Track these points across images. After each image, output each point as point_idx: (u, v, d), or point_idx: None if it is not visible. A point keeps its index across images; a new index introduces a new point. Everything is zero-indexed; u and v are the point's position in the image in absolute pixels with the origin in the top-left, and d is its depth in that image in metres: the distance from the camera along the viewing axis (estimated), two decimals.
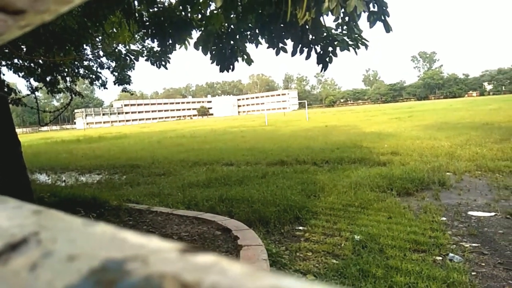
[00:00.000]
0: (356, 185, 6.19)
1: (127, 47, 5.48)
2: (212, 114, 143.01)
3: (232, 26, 4.45)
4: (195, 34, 6.31)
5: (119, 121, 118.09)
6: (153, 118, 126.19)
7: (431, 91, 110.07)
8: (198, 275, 0.15)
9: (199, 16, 4.27)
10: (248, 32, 4.50)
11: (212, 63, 4.83)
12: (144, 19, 4.40)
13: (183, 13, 4.18)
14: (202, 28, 4.36)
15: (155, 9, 4.21)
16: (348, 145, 11.64)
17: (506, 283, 3.02)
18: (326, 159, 9.37)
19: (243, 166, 9.52)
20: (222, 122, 53.19)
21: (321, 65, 3.99)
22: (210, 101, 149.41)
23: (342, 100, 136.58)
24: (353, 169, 7.85)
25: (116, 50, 6.77)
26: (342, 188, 6.09)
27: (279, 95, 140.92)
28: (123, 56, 6.95)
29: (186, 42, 4.77)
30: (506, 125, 14.34)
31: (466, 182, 6.39)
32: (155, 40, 4.46)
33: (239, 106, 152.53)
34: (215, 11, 3.89)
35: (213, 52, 4.72)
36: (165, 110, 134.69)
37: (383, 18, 3.05)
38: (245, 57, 5.08)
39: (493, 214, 4.66)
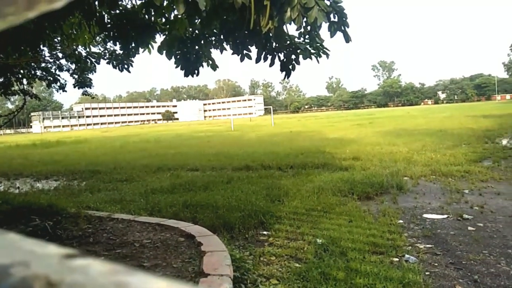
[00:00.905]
0: (319, 189, 6.33)
1: (88, 49, 5.32)
2: (177, 119, 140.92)
3: (196, 31, 4.44)
4: (160, 37, 6.23)
5: (80, 125, 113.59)
6: (115, 122, 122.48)
7: (390, 99, 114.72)
8: (63, 275, 0.18)
9: (163, 20, 4.22)
10: (213, 38, 4.50)
11: (176, 67, 4.79)
12: (106, 21, 4.29)
13: (146, 16, 4.12)
14: (166, 32, 4.32)
15: (117, 12, 4.12)
16: (312, 151, 11.87)
17: (456, 282, 3.20)
18: (290, 164, 9.50)
19: (208, 171, 9.46)
20: (187, 127, 52.56)
21: (284, 72, 4.07)
22: (176, 106, 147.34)
23: (306, 106, 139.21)
24: (317, 174, 8.01)
25: (76, 52, 6.54)
26: (305, 193, 6.20)
27: (245, 100, 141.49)
28: (83, 58, 6.72)
29: (150, 46, 4.70)
30: (457, 131, 15.23)
31: (422, 186, 6.72)
32: (118, 43, 4.36)
33: (205, 111, 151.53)
34: (179, 16, 3.87)
35: (178, 57, 4.68)
36: (128, 114, 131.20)
37: (343, 28, 3.16)
38: (210, 62, 5.08)
39: (445, 216, 4.93)
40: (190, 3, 2.39)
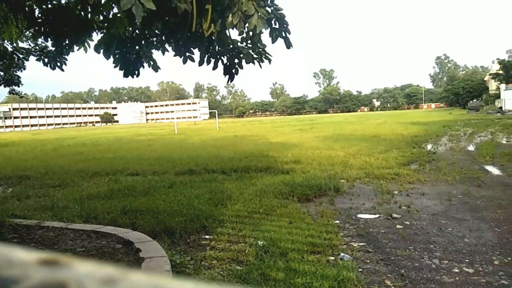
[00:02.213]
0: (262, 192, 6.43)
1: (15, 44, 4.91)
2: (117, 121, 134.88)
3: (137, 31, 4.31)
4: (97, 35, 5.95)
5: (6, 127, 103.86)
6: (48, 124, 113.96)
7: (330, 105, 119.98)
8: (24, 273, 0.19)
9: (101, 17, 4.04)
10: (154, 39, 4.41)
11: (115, 67, 4.61)
12: (37, 15, 4.01)
13: (82, 13, 3.92)
14: (104, 30, 4.14)
15: (49, 6, 3.87)
16: (255, 154, 12.02)
17: (385, 277, 3.44)
18: (234, 168, 9.54)
19: (149, 176, 9.18)
20: (128, 129, 50.46)
21: (228, 76, 4.10)
22: (115, 108, 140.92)
23: (251, 111, 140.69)
24: (259, 177, 8.13)
25: (1, 47, 6.00)
26: (248, 196, 6.27)
27: (189, 103, 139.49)
28: (9, 54, 6.18)
29: (86, 44, 4.47)
30: (389, 137, 16.36)
31: (357, 188, 7.11)
32: (49, 39, 4.09)
33: (147, 113, 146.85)
34: (118, 14, 3.74)
35: (116, 56, 4.51)
36: (63, 116, 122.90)
37: (284, 35, 3.27)
38: (152, 63, 4.96)
39: (377, 216, 5.27)
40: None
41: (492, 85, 54.43)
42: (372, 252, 4.01)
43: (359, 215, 5.34)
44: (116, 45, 4.12)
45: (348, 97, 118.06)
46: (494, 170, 8.28)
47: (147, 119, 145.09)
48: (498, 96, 47.03)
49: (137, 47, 4.55)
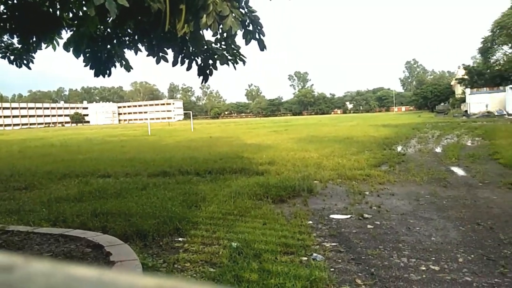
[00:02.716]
0: (236, 194, 6.43)
1: None
2: (88, 122, 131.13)
3: (108, 30, 4.22)
4: (67, 33, 5.78)
5: None
6: (14, 125, 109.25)
7: (304, 107, 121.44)
8: None
9: (71, 15, 3.93)
10: (127, 38, 4.33)
11: (85, 66, 4.50)
12: (1, 11, 3.85)
13: (51, 10, 3.80)
14: (74, 29, 4.03)
15: (15, 2, 3.73)
16: (230, 156, 12.00)
17: (356, 276, 3.52)
18: (209, 169, 9.49)
19: (121, 178, 8.98)
20: (100, 130, 49.16)
21: (202, 77, 4.08)
22: (87, 108, 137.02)
23: (226, 112, 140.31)
24: (234, 178, 8.13)
25: None
26: (222, 198, 6.25)
27: (164, 104, 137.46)
28: None
29: (55, 42, 4.34)
30: (361, 139, 16.75)
31: (330, 189, 7.24)
32: (15, 36, 3.93)
33: (120, 114, 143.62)
34: (89, 12, 3.64)
35: (87, 55, 4.40)
36: (30, 116, 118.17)
37: (258, 37, 3.29)
38: (124, 62, 4.87)
39: (349, 216, 5.38)
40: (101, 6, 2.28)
41: (458, 89, 56.77)
42: (344, 252, 4.09)
43: (331, 216, 5.43)
44: (86, 44, 4.02)
45: (322, 100, 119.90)
46: (459, 171, 8.64)
47: (119, 120, 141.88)
48: (463, 100, 49.08)
49: (108, 46, 4.45)
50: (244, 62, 4.26)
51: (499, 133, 16.92)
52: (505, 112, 38.55)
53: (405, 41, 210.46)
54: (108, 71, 4.61)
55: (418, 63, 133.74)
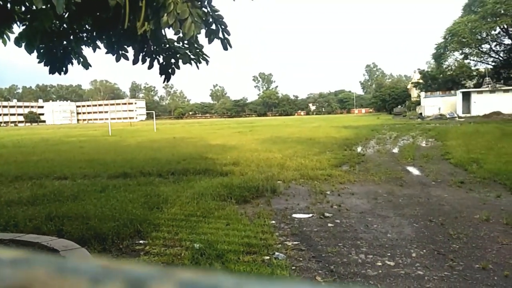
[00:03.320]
0: (199, 195, 6.38)
1: None
2: (44, 122, 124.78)
3: (65, 25, 4.05)
4: (19, 27, 5.48)
5: None
6: None
7: (269, 109, 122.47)
8: None
9: (23, 8, 3.73)
10: (85, 34, 4.17)
11: (39, 62, 4.29)
12: None
13: (1, 2, 3.58)
14: (27, 23, 3.83)
15: None
16: (194, 157, 11.88)
17: (316, 273, 3.61)
18: (172, 170, 9.34)
19: (79, 180, 8.64)
20: (56, 130, 46.92)
21: (164, 76, 4.01)
22: (42, 107, 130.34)
23: (191, 113, 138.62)
24: (198, 180, 8.06)
25: None
26: (185, 199, 6.18)
27: (125, 104, 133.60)
28: None
29: (5, 36, 4.09)
30: (323, 140, 17.16)
31: (293, 188, 7.35)
32: None
33: (78, 113, 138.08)
34: (43, 6, 3.48)
35: (41, 51, 4.20)
36: None
37: (222, 36, 3.29)
38: (81, 59, 4.70)
39: (311, 215, 5.50)
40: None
41: (414, 92, 59.58)
42: (305, 250, 4.18)
43: (294, 215, 5.53)
44: (40, 39, 3.83)
45: (286, 101, 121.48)
46: (414, 171, 9.07)
47: (78, 120, 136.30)
48: (419, 103, 51.56)
49: (64, 42, 4.28)
50: (207, 62, 4.24)
51: (450, 134, 17.95)
52: (456, 115, 40.94)
53: (365, 46, 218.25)
54: (64, 68, 4.42)
55: (378, 66, 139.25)
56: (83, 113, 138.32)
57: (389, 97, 69.05)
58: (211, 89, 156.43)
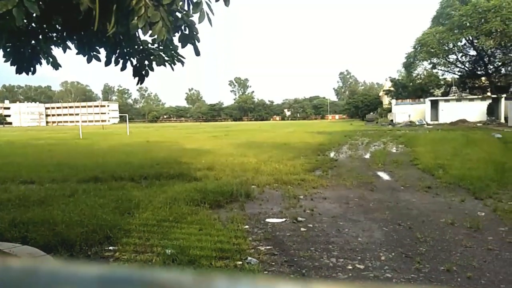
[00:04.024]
0: (172, 200, 6.29)
1: None
2: (10, 123, 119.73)
3: (33, 24, 3.93)
4: None
5: None
6: None
7: (244, 113, 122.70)
8: None
9: None
10: (54, 34, 4.06)
11: (5, 61, 4.14)
12: None
13: None
14: None
15: None
16: (168, 161, 11.72)
17: (288, 277, 3.63)
18: (144, 175, 9.19)
19: (47, 184, 8.35)
20: (24, 133, 45.13)
21: (137, 78, 3.95)
22: (9, 108, 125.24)
23: (165, 116, 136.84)
24: (171, 184, 7.96)
25: None
26: (158, 204, 6.08)
27: (97, 106, 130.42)
28: None
29: None
30: (298, 145, 17.35)
31: (267, 193, 7.39)
32: None
33: (48, 115, 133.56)
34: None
35: (8, 50, 4.06)
36: None
37: (193, 41, 3.28)
38: (51, 60, 4.57)
39: (284, 220, 5.54)
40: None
41: (385, 100, 61.31)
42: (278, 254, 4.20)
43: (267, 220, 5.55)
44: (6, 38, 3.70)
45: (262, 106, 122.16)
46: (384, 176, 9.32)
47: (47, 122, 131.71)
48: (390, 110, 53.05)
49: (33, 42, 4.15)
50: (182, 63, 4.20)
51: (419, 141, 18.57)
52: (424, 122, 42.41)
53: (339, 53, 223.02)
54: (32, 68, 4.29)
55: (351, 74, 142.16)
56: (53, 115, 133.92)
57: (361, 104, 70.72)
58: (186, 92, 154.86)
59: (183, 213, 5.61)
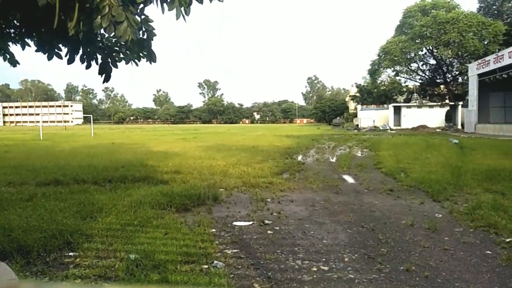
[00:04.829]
0: (137, 203, 6.15)
1: None
2: None
3: None
4: None
5: None
6: None
7: (214, 116, 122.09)
8: None
9: None
10: (12, 30, 3.88)
11: None
12: None
13: None
14: None
15: None
16: (134, 164, 11.44)
17: (254, 280, 3.64)
18: (109, 178, 8.92)
19: (3, 187, 7.96)
20: None
21: (103, 76, 3.83)
22: None
23: (132, 118, 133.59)
24: (136, 187, 7.78)
25: None
26: (122, 208, 5.92)
27: (60, 106, 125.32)
28: None
29: None
30: (266, 148, 17.47)
31: (235, 196, 7.38)
32: None
33: (5, 115, 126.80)
34: None
35: None
36: None
37: (147, 46, 3.23)
38: (8, 56, 4.36)
39: (251, 223, 5.56)
40: None
41: (351, 105, 63.06)
42: (244, 257, 4.21)
43: (234, 223, 5.55)
44: None
45: (231, 109, 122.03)
46: (349, 179, 9.57)
47: (4, 122, 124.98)
48: (355, 115, 54.59)
49: None
50: (152, 60, 4.08)
51: (383, 145, 19.22)
52: (388, 127, 44.00)
53: (308, 58, 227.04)
54: None
55: (319, 79, 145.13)
56: (11, 114, 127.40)
57: (329, 109, 72.28)
58: (154, 94, 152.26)
59: (149, 217, 5.50)
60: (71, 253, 4.25)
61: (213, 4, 3.80)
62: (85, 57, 3.79)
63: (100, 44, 3.75)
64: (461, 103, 43.08)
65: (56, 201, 6.38)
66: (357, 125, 48.54)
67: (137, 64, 4.07)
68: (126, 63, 4.01)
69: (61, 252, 4.26)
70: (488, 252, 4.34)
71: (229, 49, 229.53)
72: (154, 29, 3.01)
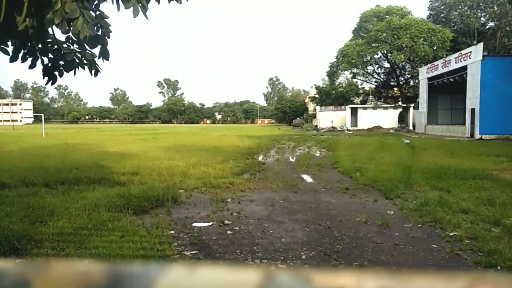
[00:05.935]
0: (92, 206, 5.93)
1: None
2: None
3: None
4: None
5: None
6: None
7: (174, 116, 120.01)
8: None
9: None
10: None
11: None
12: None
13: None
14: None
15: None
16: (89, 165, 11.00)
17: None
18: (61, 180, 8.53)
19: None
20: None
21: (48, 78, 3.65)
22: None
23: (87, 117, 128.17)
24: (91, 189, 7.49)
25: None
26: (75, 211, 5.68)
27: (7, 104, 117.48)
28: None
29: None
30: (227, 149, 17.46)
31: (194, 197, 7.32)
32: None
33: None
34: None
35: None
36: None
37: (103, 44, 3.14)
38: None
39: (211, 223, 5.54)
40: None
41: (311, 106, 64.53)
42: (203, 258, 4.19)
43: (194, 224, 5.50)
44: None
45: (192, 109, 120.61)
46: (308, 178, 9.80)
47: None
48: (314, 116, 55.94)
49: None
50: (96, 73, 3.94)
51: (340, 145, 19.86)
52: (345, 128, 45.48)
53: (269, 59, 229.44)
54: None
55: (280, 80, 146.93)
56: None
57: (289, 110, 73.41)
58: (111, 92, 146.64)
59: (104, 220, 5.31)
60: (17, 260, 4.02)
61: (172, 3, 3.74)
62: (28, 56, 3.56)
63: (48, 44, 3.55)
64: (412, 105, 45.41)
65: (1, 205, 6.00)
66: (316, 125, 49.73)
67: (91, 73, 3.90)
68: (71, 68, 3.79)
69: (7, 259, 4.02)
70: (434, 245, 4.63)
71: (189, 48, 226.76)
72: (110, 25, 2.92)
